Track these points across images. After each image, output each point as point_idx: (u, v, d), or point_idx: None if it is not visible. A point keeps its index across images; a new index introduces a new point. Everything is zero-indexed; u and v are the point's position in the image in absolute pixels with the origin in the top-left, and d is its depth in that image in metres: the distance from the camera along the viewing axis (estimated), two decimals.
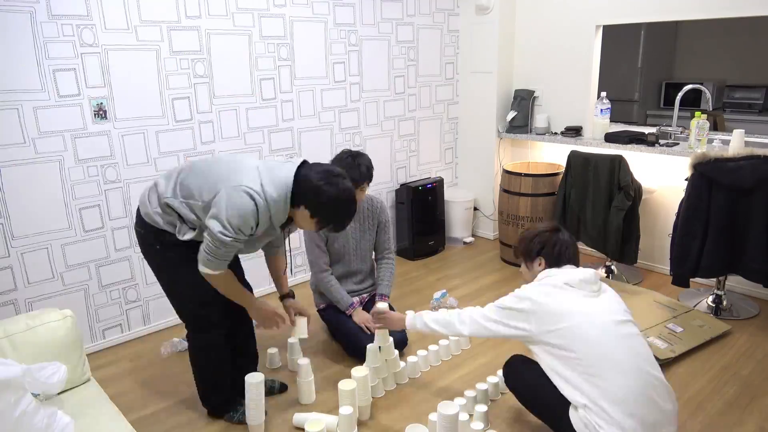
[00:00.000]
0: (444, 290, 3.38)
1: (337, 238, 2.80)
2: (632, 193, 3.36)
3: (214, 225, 1.89)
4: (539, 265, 2.10)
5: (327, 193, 1.93)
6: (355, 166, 2.59)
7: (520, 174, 3.89)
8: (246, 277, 2.50)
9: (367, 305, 2.89)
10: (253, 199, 1.89)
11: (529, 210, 3.89)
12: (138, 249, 3.07)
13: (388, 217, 2.94)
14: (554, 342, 1.89)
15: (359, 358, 2.62)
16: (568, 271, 2.00)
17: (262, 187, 1.91)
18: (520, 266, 2.20)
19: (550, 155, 4.25)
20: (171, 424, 2.41)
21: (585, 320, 1.87)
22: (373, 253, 2.98)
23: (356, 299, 2.86)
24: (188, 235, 2.05)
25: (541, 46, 4.17)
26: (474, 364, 2.78)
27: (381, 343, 2.52)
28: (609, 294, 2.02)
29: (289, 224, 2.09)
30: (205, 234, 1.95)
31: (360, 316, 2.76)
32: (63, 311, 1.98)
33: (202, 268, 2.00)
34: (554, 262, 2.06)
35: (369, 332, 2.67)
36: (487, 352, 2.89)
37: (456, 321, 2.13)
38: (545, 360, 1.95)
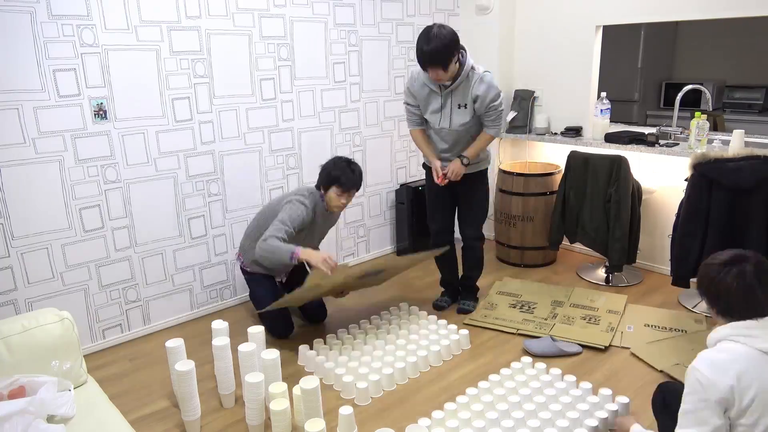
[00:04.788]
0: None
1: (303, 227, 2.86)
2: (624, 186, 3.36)
3: None
4: (722, 318, 1.63)
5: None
6: (349, 171, 2.80)
7: (512, 173, 3.90)
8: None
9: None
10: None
11: (520, 209, 3.90)
12: (138, 249, 3.08)
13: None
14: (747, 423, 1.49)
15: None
16: (752, 330, 1.52)
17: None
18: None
19: (550, 155, 4.25)
20: (171, 424, 2.41)
21: None
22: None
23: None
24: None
25: (541, 46, 4.17)
26: (474, 364, 2.78)
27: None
28: None
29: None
30: None
31: (306, 253, 2.65)
32: (60, 313, 1.96)
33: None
34: (728, 315, 1.59)
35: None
36: (487, 353, 2.89)
37: None
38: None
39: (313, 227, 2.98)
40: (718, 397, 1.49)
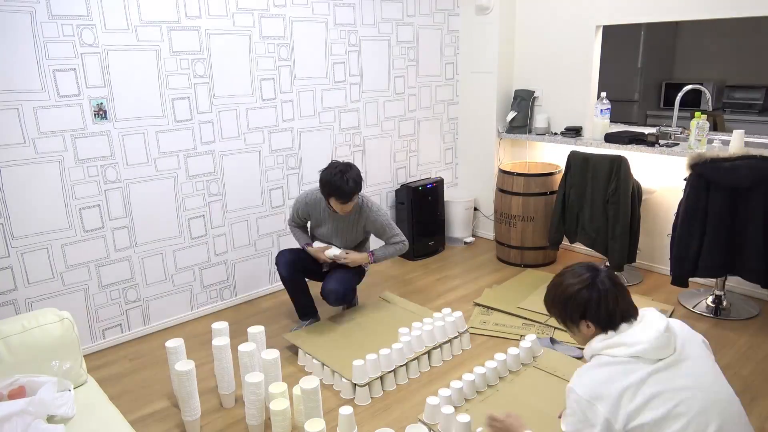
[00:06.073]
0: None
1: (321, 224, 3.07)
2: (624, 186, 3.36)
3: None
4: (587, 327, 1.63)
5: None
6: (343, 183, 2.76)
7: (512, 173, 3.90)
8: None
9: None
10: None
11: (520, 209, 3.90)
12: (138, 249, 3.08)
13: (382, 224, 3.03)
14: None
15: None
16: (630, 336, 1.54)
17: None
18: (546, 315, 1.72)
19: (550, 155, 4.25)
20: (171, 424, 2.41)
21: (672, 404, 1.44)
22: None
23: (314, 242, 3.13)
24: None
25: (541, 46, 4.17)
26: (474, 364, 2.78)
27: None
28: (691, 353, 1.55)
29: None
30: None
31: (313, 250, 3.06)
32: (60, 313, 1.96)
33: None
34: (605, 325, 1.60)
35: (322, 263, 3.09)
36: (487, 353, 2.89)
37: None
38: None
39: (325, 224, 3.04)
40: (599, 418, 1.47)
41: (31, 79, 2.58)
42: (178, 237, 3.22)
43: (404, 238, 3.10)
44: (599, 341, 1.59)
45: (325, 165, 3.24)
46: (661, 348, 1.50)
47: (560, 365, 2.67)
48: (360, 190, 2.86)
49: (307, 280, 3.11)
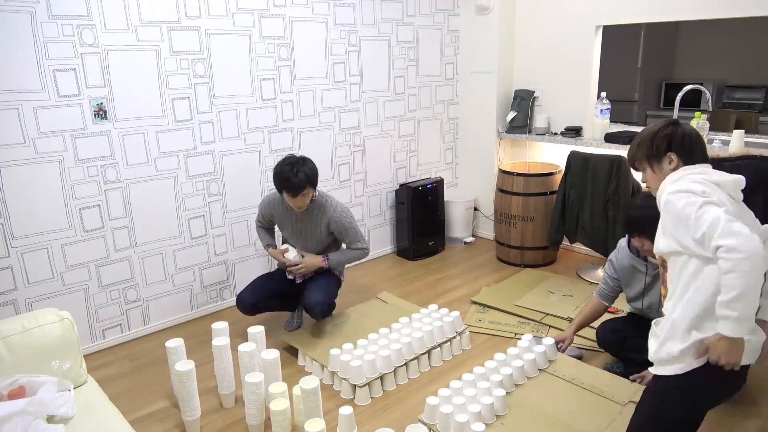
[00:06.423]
0: None
1: (284, 226, 3.02)
2: (624, 186, 3.36)
3: None
4: (669, 163, 1.71)
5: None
6: (292, 173, 2.69)
7: (512, 173, 3.91)
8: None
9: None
10: None
11: (520, 209, 3.90)
12: (138, 249, 3.08)
13: (344, 226, 2.92)
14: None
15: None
16: (713, 170, 1.66)
17: None
18: (642, 172, 1.76)
19: (550, 155, 4.25)
20: (171, 424, 2.41)
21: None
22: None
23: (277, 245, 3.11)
24: None
25: (541, 46, 4.17)
26: (474, 364, 2.78)
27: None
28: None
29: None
30: None
31: (274, 251, 3.02)
32: (60, 313, 1.96)
33: None
34: (688, 153, 1.69)
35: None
36: (487, 353, 2.89)
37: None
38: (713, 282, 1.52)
39: (287, 224, 2.98)
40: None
41: (31, 79, 2.58)
42: (178, 237, 3.22)
43: (366, 246, 3.01)
44: (684, 171, 1.66)
45: (325, 165, 3.27)
46: (737, 186, 1.64)
47: (579, 373, 2.57)
48: (312, 184, 2.77)
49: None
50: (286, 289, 3.04)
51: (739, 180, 1.64)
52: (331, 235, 3.00)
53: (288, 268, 2.95)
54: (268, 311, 3.04)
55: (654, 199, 2.04)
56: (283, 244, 3.08)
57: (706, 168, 1.67)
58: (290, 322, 3.16)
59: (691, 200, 1.54)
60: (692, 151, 1.70)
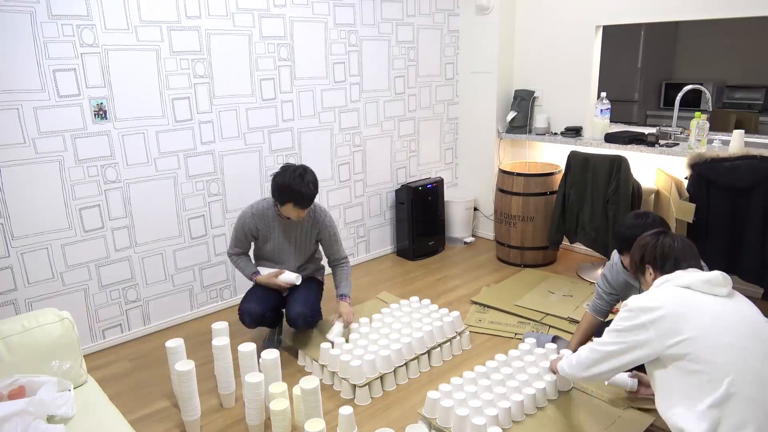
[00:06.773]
0: None
1: (269, 238, 2.81)
2: (624, 186, 3.36)
3: None
4: (650, 275, 1.87)
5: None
6: (304, 185, 2.60)
7: (512, 173, 3.91)
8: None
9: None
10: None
11: (520, 209, 3.90)
12: (138, 249, 3.08)
13: (335, 233, 2.89)
14: (679, 352, 1.60)
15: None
16: (685, 274, 1.74)
17: None
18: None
19: (550, 156, 4.25)
20: (171, 424, 2.41)
21: (714, 324, 1.58)
22: (324, 260, 3.04)
23: (260, 270, 2.86)
24: None
25: (541, 46, 4.17)
26: (474, 364, 2.78)
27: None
28: (741, 298, 1.72)
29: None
30: None
31: (263, 278, 2.81)
32: (60, 313, 1.96)
33: None
34: (660, 265, 1.83)
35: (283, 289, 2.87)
36: (487, 353, 2.89)
37: (565, 365, 2.02)
38: (676, 385, 1.61)
39: (274, 237, 2.81)
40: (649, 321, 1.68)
41: (31, 79, 2.58)
42: (178, 237, 3.22)
43: (347, 254, 2.99)
44: (658, 282, 1.78)
45: (325, 165, 3.27)
46: (711, 282, 1.67)
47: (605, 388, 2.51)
48: (317, 193, 2.71)
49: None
50: (282, 301, 2.93)
51: (713, 277, 1.68)
52: (316, 244, 2.92)
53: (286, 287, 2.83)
54: (267, 326, 2.92)
55: (642, 217, 2.22)
56: (256, 265, 2.92)
57: (682, 273, 1.75)
58: (270, 339, 3.00)
59: (619, 326, 1.74)
60: (664, 261, 1.83)
